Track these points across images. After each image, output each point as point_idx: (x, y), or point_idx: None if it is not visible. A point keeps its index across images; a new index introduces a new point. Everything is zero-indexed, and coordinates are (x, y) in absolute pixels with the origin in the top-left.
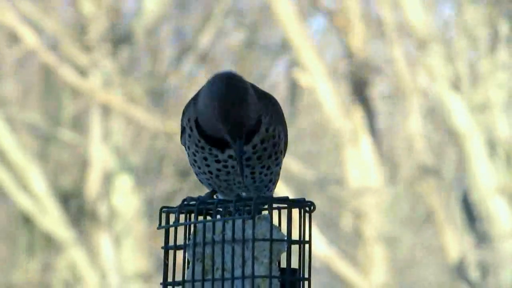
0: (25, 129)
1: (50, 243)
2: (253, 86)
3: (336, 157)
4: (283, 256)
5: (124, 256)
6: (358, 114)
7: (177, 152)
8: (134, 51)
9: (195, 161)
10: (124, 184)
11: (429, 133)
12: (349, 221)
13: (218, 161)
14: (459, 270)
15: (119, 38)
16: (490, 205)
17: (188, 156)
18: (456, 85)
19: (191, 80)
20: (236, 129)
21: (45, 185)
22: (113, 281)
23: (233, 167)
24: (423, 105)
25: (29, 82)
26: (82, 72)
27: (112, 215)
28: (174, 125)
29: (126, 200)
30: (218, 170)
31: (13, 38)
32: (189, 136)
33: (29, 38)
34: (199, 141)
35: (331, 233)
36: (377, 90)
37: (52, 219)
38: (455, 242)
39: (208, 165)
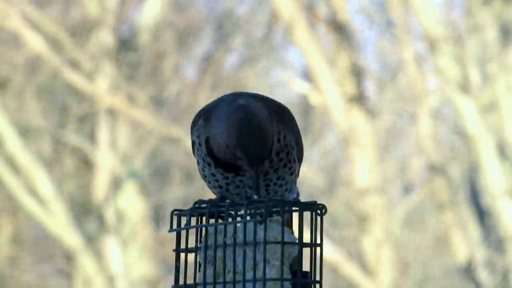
0: (32, 133)
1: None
2: (264, 100)
3: (343, 159)
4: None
5: (131, 261)
6: (364, 115)
7: (183, 156)
8: (138, 55)
9: (204, 176)
10: (130, 188)
11: (439, 134)
12: (356, 222)
13: (226, 177)
14: (468, 270)
15: (123, 43)
16: (499, 206)
17: (199, 171)
18: (466, 87)
19: (194, 85)
20: (256, 159)
21: (52, 190)
22: (120, 286)
23: (241, 181)
24: (433, 107)
25: (36, 87)
26: (87, 76)
27: (119, 219)
28: (178, 130)
29: (133, 205)
30: (227, 184)
31: (19, 42)
32: (198, 150)
33: (34, 42)
34: (206, 156)
35: (337, 235)
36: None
37: (59, 223)
38: (464, 243)
39: (217, 180)
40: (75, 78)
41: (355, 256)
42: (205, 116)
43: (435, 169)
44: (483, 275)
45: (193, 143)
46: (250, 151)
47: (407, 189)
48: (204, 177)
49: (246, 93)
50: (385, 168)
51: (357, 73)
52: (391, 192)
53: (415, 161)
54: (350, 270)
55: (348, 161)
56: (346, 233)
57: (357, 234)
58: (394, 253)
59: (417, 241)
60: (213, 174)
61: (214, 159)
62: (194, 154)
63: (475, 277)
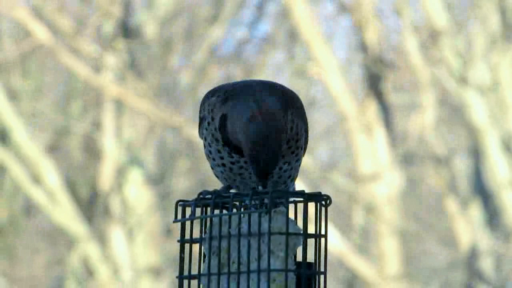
0: (38, 122)
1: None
2: (279, 89)
3: (348, 149)
4: (299, 250)
5: (137, 250)
6: (371, 106)
7: (187, 147)
8: (145, 45)
9: (210, 152)
10: (136, 178)
11: (443, 125)
12: (361, 214)
13: (232, 156)
14: (472, 261)
15: (130, 33)
16: (505, 197)
17: (204, 147)
18: (470, 79)
19: (202, 75)
20: (264, 172)
21: (58, 179)
22: (125, 276)
23: (246, 162)
24: (438, 98)
25: (42, 76)
26: (93, 66)
27: (124, 209)
28: (184, 120)
29: (139, 195)
30: (232, 163)
31: (25, 32)
32: (208, 124)
33: (41, 32)
34: (216, 131)
35: (343, 226)
36: (392, 82)
37: (64, 213)
38: (468, 234)
39: (222, 158)
40: (79, 68)
41: (360, 247)
42: (222, 95)
43: (439, 160)
44: (488, 266)
45: (202, 119)
46: (260, 165)
47: (412, 179)
48: (210, 153)
49: (263, 82)
50: (389, 158)
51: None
52: (396, 181)
53: (419, 151)
54: (356, 261)
55: (353, 149)
56: (351, 224)
57: (362, 224)
58: (399, 244)
59: (421, 231)
60: (219, 151)
61: (224, 137)
62: (200, 133)
63: (479, 268)
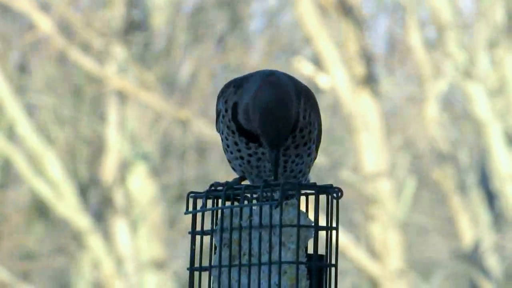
0: (42, 115)
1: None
2: (294, 80)
3: (350, 143)
4: (310, 242)
5: (140, 242)
6: (370, 99)
7: (192, 139)
8: (149, 37)
9: (227, 146)
10: (140, 170)
11: (447, 119)
12: (363, 207)
13: (249, 148)
14: (474, 253)
15: (134, 24)
16: (508, 191)
17: (222, 141)
18: (474, 72)
19: (206, 67)
20: (276, 141)
21: (61, 171)
22: (129, 268)
23: (263, 153)
24: (441, 92)
25: (46, 68)
26: (97, 58)
27: (128, 201)
28: (188, 112)
29: (143, 187)
30: (249, 155)
31: (30, 24)
32: (223, 117)
33: (44, 24)
34: (230, 122)
35: (345, 219)
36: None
37: (68, 205)
38: (472, 227)
39: (239, 150)
40: (83, 60)
41: (362, 241)
42: (236, 84)
43: (443, 154)
44: (491, 259)
45: (218, 112)
46: (270, 132)
47: (414, 173)
48: (227, 147)
49: (278, 72)
50: (392, 152)
51: (366, 56)
52: (398, 176)
53: (423, 145)
54: (358, 254)
55: (355, 145)
56: (353, 217)
57: (365, 218)
58: (402, 237)
59: (425, 225)
60: (236, 143)
61: (238, 125)
62: (217, 127)
63: (482, 261)
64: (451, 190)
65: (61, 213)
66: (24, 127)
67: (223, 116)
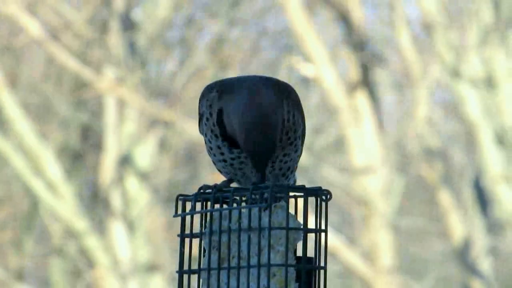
0: (40, 114)
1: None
2: (275, 82)
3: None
4: (299, 245)
5: (137, 244)
6: (362, 97)
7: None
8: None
9: (210, 148)
10: (137, 172)
11: (439, 119)
12: (355, 207)
13: (231, 152)
14: (466, 254)
15: (129, 28)
16: (499, 191)
17: (205, 143)
18: (463, 72)
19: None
20: (261, 164)
21: (60, 172)
22: (126, 269)
23: (246, 157)
24: (432, 92)
25: (44, 67)
26: (92, 63)
27: (125, 203)
28: (177, 114)
29: (139, 188)
30: (232, 159)
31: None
32: (207, 120)
33: (33, 27)
34: (214, 126)
35: (336, 220)
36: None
37: (66, 206)
38: (463, 228)
39: (222, 153)
40: (74, 65)
41: (354, 241)
42: (219, 89)
43: (433, 153)
44: (483, 259)
45: (201, 115)
46: (256, 155)
47: (404, 173)
48: (210, 149)
49: (258, 76)
50: (383, 151)
51: (359, 56)
52: (389, 176)
53: (413, 144)
54: (350, 255)
55: (347, 143)
56: (345, 218)
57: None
58: (393, 237)
59: (415, 225)
60: (219, 147)
61: (222, 131)
62: (200, 129)
63: (473, 260)
64: (440, 189)
65: (59, 214)
66: (22, 127)
67: (207, 119)
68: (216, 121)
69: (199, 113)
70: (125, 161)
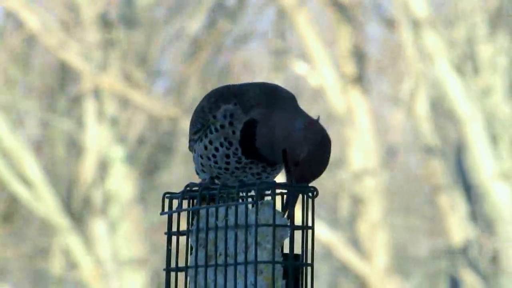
0: (20, 115)
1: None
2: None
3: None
4: (286, 242)
5: (120, 243)
6: (357, 96)
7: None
8: (130, 32)
9: (214, 156)
10: (119, 170)
11: (430, 116)
12: (350, 205)
13: (239, 162)
14: (458, 252)
15: (115, 20)
16: (489, 188)
17: (198, 150)
18: (456, 69)
19: (186, 63)
20: (307, 178)
21: (40, 172)
22: (108, 268)
23: (251, 168)
24: (424, 89)
25: (24, 68)
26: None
27: (107, 202)
28: (169, 109)
29: (122, 187)
30: (237, 168)
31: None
32: (222, 127)
33: (33, 22)
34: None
35: (331, 218)
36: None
37: (47, 205)
38: (457, 226)
39: (228, 163)
40: (66, 57)
41: (349, 239)
42: (240, 101)
43: (430, 151)
44: (472, 257)
45: (207, 120)
46: (309, 171)
47: (401, 171)
48: (213, 156)
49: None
50: (380, 151)
51: (357, 54)
52: (385, 174)
53: (410, 142)
54: (345, 253)
55: (344, 142)
56: (340, 216)
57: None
58: (389, 235)
59: (410, 223)
60: (227, 156)
61: (245, 146)
62: (192, 136)
63: (466, 258)
64: (437, 187)
65: (40, 214)
66: (1, 127)
67: (222, 127)
68: (242, 130)
69: (203, 118)
70: (107, 159)
